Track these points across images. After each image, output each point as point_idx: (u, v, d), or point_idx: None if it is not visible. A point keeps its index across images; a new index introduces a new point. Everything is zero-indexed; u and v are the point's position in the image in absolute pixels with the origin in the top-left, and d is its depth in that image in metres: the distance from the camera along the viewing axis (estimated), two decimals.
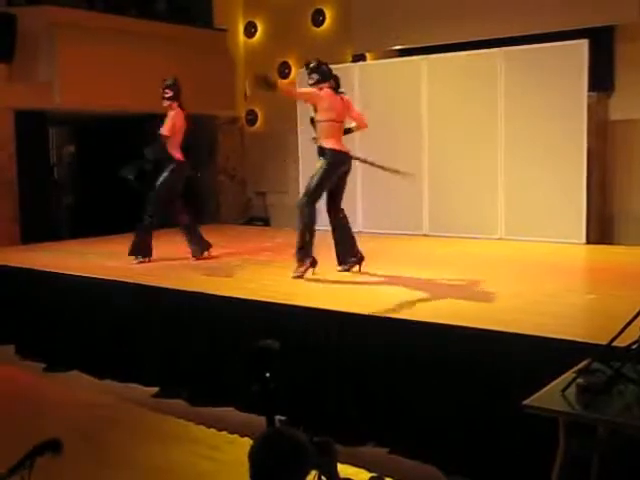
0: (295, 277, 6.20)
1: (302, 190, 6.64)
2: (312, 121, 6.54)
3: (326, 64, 6.44)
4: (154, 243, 7.41)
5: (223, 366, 5.40)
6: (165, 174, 7.31)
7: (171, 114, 7.27)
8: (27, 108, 9.29)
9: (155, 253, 7.41)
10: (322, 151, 6.32)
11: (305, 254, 6.24)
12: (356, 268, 6.46)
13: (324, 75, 6.37)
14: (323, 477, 2.17)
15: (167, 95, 7.26)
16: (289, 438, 2.02)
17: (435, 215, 8.89)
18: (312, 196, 6.27)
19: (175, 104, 7.29)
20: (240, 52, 11.81)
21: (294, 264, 6.27)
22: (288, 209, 10.40)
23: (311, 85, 6.41)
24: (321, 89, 6.30)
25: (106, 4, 10.12)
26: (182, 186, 7.47)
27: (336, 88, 6.37)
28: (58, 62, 9.15)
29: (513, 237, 8.23)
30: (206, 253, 7.56)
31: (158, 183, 7.30)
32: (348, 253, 6.48)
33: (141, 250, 7.34)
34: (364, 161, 7.01)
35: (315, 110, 6.42)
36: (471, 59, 8.62)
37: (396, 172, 6.78)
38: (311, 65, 6.48)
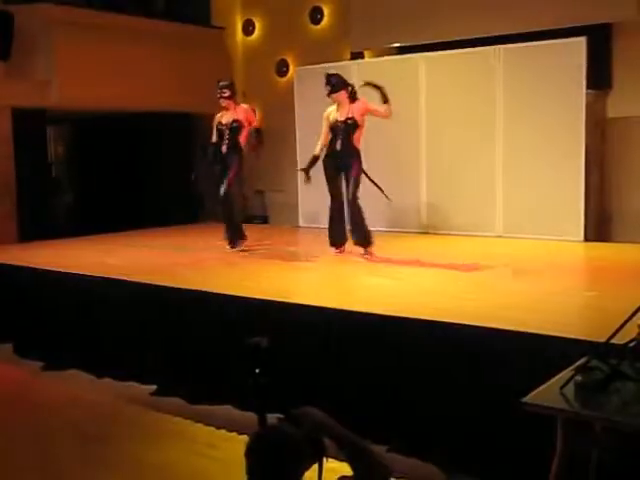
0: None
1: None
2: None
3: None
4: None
5: (221, 364, 5.40)
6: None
7: (246, 108, 7.75)
8: (25, 106, 9.26)
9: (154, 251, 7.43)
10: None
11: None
12: None
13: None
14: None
15: (225, 95, 7.59)
16: (284, 434, 2.02)
17: (433, 212, 8.89)
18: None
19: (232, 103, 7.63)
20: (238, 50, 11.80)
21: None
22: (287, 207, 10.40)
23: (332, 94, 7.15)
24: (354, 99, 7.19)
25: (104, 2, 10.10)
26: None
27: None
28: (56, 60, 9.15)
29: (511, 235, 8.23)
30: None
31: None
32: None
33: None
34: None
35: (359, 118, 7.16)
36: (469, 57, 8.62)
37: (380, 190, 7.18)
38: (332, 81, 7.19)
